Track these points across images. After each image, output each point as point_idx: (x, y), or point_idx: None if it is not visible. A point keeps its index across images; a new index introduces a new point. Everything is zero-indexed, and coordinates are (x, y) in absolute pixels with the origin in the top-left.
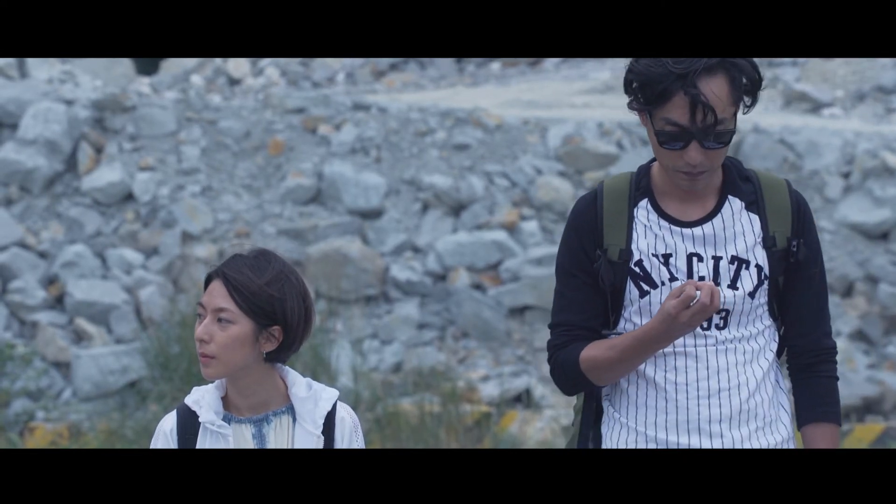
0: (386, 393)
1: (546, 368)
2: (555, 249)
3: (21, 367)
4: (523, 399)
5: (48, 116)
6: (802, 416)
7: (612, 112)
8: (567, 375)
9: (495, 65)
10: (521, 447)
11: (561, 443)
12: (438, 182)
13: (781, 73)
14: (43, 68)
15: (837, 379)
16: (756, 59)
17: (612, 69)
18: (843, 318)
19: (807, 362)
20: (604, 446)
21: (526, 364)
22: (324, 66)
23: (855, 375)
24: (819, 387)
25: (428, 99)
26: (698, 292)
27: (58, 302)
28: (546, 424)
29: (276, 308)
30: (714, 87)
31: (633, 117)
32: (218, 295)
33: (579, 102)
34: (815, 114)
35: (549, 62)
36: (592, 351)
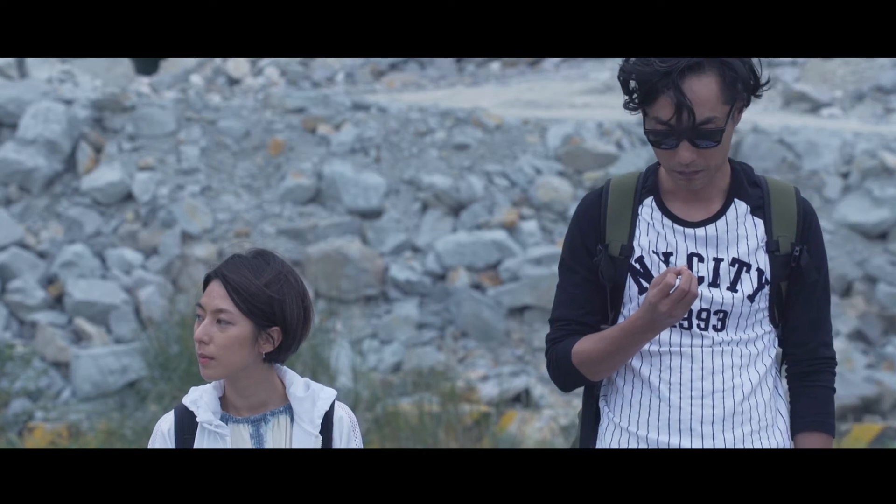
0: (385, 393)
1: (545, 368)
2: (554, 249)
3: (21, 367)
4: (522, 399)
5: (48, 116)
6: (796, 425)
7: (612, 112)
8: (561, 369)
9: (495, 65)
10: (520, 447)
11: (560, 442)
12: (438, 182)
13: (781, 73)
14: (43, 68)
15: (834, 390)
16: (755, 59)
17: (612, 69)
18: (842, 318)
19: (803, 371)
20: (598, 447)
21: (525, 364)
22: (324, 66)
23: (853, 375)
24: (814, 396)
25: (428, 99)
26: (678, 280)
27: (57, 302)
28: (545, 424)
29: (275, 309)
30: (701, 86)
31: (632, 117)
32: (217, 296)
33: (579, 102)
34: (814, 114)
35: (549, 62)
36: (583, 344)
